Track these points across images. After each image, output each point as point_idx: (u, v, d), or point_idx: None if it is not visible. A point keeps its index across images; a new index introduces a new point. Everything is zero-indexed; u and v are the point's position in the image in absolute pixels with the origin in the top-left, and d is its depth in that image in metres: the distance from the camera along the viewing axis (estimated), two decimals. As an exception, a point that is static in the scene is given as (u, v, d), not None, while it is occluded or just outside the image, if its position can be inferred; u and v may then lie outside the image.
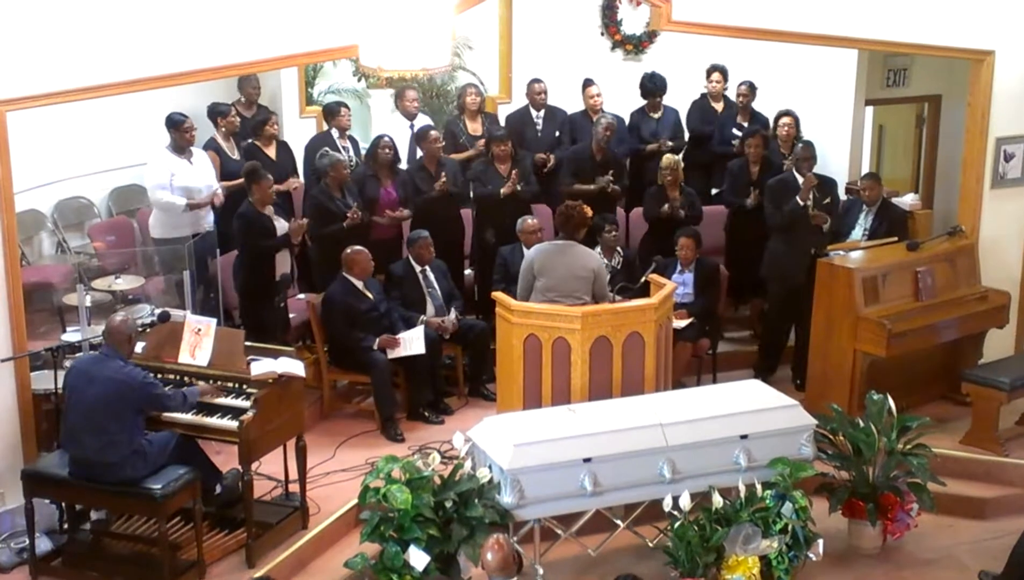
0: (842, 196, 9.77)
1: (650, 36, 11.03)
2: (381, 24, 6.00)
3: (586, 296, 7.42)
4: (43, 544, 6.66)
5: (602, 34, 11.13)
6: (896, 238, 8.55)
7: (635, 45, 11.10)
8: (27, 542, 6.58)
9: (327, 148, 9.18)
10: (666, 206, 9.09)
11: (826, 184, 8.69)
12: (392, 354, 8.14)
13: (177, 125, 8.89)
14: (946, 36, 8.17)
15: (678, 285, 8.19)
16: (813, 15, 7.89)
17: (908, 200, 10.01)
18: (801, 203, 8.47)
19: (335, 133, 9.62)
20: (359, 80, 10.81)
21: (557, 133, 9.87)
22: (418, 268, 8.60)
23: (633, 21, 11.06)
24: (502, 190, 9.03)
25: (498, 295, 7.58)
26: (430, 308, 8.56)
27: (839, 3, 7.92)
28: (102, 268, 8.81)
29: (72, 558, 6.68)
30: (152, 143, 9.17)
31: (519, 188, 9.03)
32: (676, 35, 9.47)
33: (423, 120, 9.88)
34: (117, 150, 9.82)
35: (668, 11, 7.62)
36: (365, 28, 6.13)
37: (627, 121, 10.05)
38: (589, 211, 7.78)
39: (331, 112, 9.72)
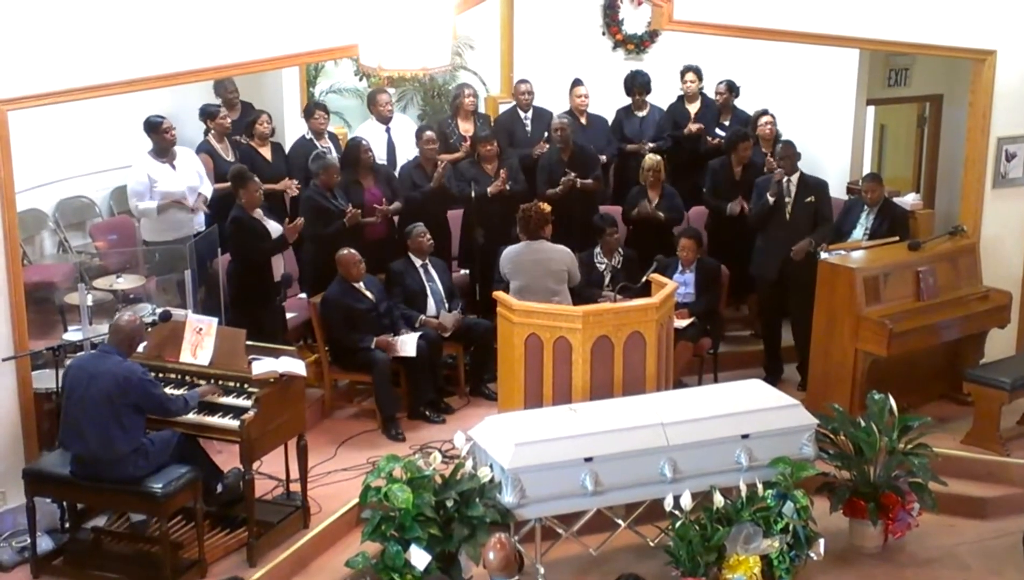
0: (844, 196, 9.79)
1: (651, 36, 11.02)
2: (381, 23, 6.00)
3: (562, 291, 7.71)
4: (44, 543, 6.67)
5: (603, 34, 11.11)
6: (897, 238, 8.55)
7: (636, 45, 11.08)
8: (28, 541, 6.58)
9: (318, 152, 9.13)
10: (636, 210, 9.10)
11: (812, 184, 8.64)
12: (389, 354, 8.14)
13: (155, 128, 8.75)
14: (948, 36, 8.17)
15: (679, 285, 8.19)
16: (814, 15, 7.89)
17: (909, 200, 9.99)
18: (771, 200, 8.47)
19: (310, 136, 9.49)
20: (360, 79, 10.80)
21: (546, 133, 9.84)
22: (418, 262, 8.59)
23: (634, 21, 11.04)
24: (489, 189, 9.01)
25: (499, 295, 7.58)
26: (430, 303, 8.54)
27: (840, 3, 7.92)
28: (103, 267, 8.78)
29: (73, 557, 6.68)
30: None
31: (507, 187, 9.03)
32: (676, 35, 9.46)
33: (401, 121, 9.89)
34: (118, 149, 9.78)
35: (669, 11, 7.64)
36: (365, 27, 6.13)
37: (611, 120, 10.04)
38: (547, 208, 8.09)
39: (307, 114, 9.61)
